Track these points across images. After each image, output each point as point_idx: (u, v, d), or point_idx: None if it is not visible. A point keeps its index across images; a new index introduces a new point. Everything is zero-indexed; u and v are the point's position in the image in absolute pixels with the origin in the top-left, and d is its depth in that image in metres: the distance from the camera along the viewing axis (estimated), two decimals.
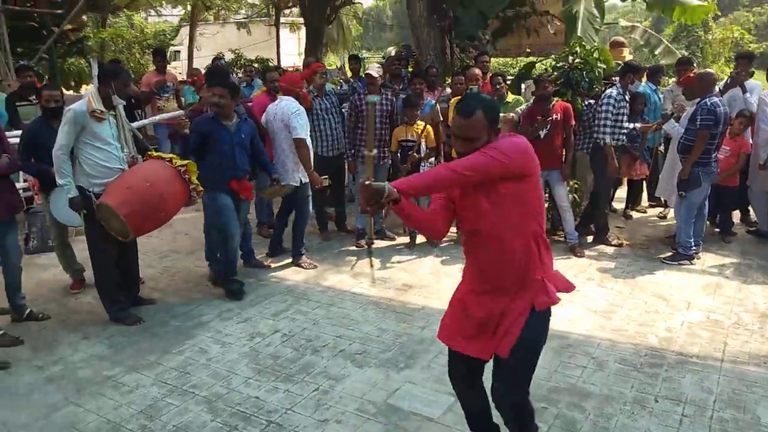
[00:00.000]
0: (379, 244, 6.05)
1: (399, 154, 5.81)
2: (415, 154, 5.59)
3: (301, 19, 17.38)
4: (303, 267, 5.38)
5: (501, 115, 5.53)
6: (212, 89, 4.65)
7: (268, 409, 3.20)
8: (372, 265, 3.46)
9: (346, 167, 6.29)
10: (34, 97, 6.33)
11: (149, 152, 4.38)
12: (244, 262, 5.40)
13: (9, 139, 4.31)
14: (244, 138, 4.71)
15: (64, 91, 8.47)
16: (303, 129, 5.07)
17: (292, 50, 25.99)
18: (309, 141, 5.23)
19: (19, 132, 5.37)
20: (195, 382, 3.50)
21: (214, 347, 3.94)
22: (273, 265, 5.46)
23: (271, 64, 13.41)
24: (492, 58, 8.73)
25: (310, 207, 5.56)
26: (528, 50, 9.39)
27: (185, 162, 4.22)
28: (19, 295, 4.36)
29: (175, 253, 5.98)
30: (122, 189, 3.94)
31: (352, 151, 5.98)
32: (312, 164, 5.20)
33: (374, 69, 6.00)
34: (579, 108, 5.93)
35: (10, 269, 4.23)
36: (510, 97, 6.21)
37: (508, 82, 7.09)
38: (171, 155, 4.29)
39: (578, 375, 3.48)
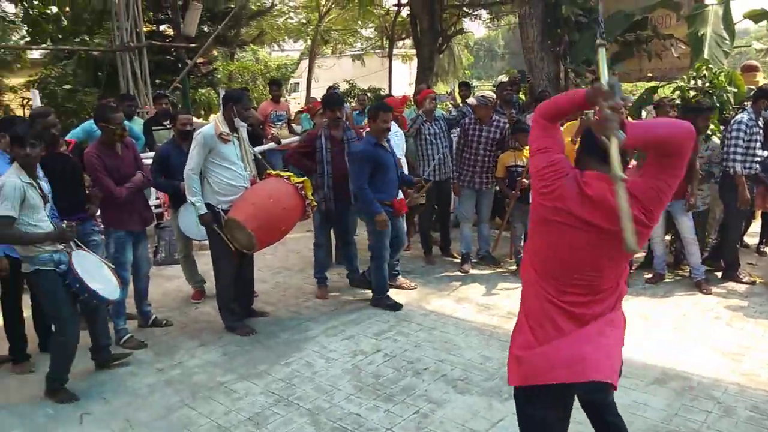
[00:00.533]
0: (484, 270, 5.95)
1: (506, 180, 5.70)
2: (524, 179, 5.46)
3: (413, 51, 17.76)
4: (403, 287, 5.40)
5: None
6: (382, 116, 4.84)
7: (368, 427, 3.21)
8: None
9: (452, 192, 6.27)
10: (168, 122, 6.93)
11: (268, 171, 4.64)
12: (349, 282, 5.53)
13: (143, 159, 4.74)
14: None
15: (194, 119, 9.20)
16: (397, 148, 5.28)
17: (403, 80, 26.63)
18: (404, 161, 5.45)
19: (152, 153, 5.87)
20: (300, 394, 3.59)
21: (319, 361, 4.03)
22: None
23: (382, 93, 13.82)
24: None
25: (403, 224, 5.55)
26: (649, 74, 8.92)
27: (302, 179, 4.48)
28: (145, 302, 4.73)
29: (286, 269, 6.23)
30: (248, 204, 4.23)
31: (458, 174, 5.96)
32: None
33: (473, 99, 6.07)
34: (717, 130, 5.54)
35: (140, 278, 4.61)
36: None
37: (628, 107, 6.76)
38: (288, 173, 4.54)
39: (702, 420, 3.18)
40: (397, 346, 4.24)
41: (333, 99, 5.32)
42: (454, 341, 4.30)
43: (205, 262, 5.61)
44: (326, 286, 5.38)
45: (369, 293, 5.23)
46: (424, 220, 6.38)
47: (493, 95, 6.05)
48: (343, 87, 16.03)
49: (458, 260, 6.12)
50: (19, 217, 3.31)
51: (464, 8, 14.69)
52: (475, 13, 16.11)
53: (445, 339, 4.34)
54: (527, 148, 5.54)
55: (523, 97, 8.15)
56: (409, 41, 22.32)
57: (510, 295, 5.18)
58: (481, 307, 4.96)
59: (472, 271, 5.89)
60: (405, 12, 16.78)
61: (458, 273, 5.86)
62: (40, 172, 3.54)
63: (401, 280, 5.49)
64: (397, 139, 5.38)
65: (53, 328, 3.70)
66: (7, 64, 14.16)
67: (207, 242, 6.17)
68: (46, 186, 3.56)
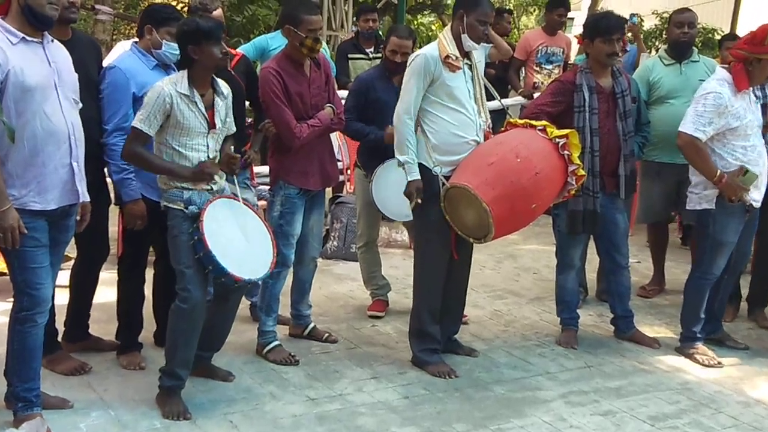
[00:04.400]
0: None
1: None
2: None
3: None
4: (698, 361, 5.09)
5: None
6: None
7: None
8: None
9: None
10: (372, 49, 7.35)
11: (510, 120, 4.69)
12: (615, 331, 5.43)
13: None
14: None
15: None
16: None
17: (758, 15, 25.20)
18: None
19: (343, 93, 6.10)
20: None
21: None
22: (658, 346, 5.31)
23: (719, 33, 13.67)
24: None
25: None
26: None
27: (565, 131, 4.40)
28: (306, 301, 5.06)
29: (513, 295, 6.28)
30: (483, 166, 4.26)
31: None
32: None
33: None
34: None
35: (305, 262, 4.93)
36: None
37: None
38: (544, 123, 4.49)
39: None
40: None
41: (608, 23, 5.06)
42: None
43: (392, 264, 5.85)
44: (575, 330, 5.32)
45: (651, 357, 5.09)
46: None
47: None
48: (649, 22, 15.76)
49: None
50: (164, 136, 3.80)
51: None
52: None
53: None
54: None
55: None
56: None
57: None
58: None
59: None
60: None
61: None
62: (224, 88, 4.00)
63: (700, 349, 5.15)
64: None
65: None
66: None
67: (403, 231, 6.46)
68: (222, 108, 3.99)
